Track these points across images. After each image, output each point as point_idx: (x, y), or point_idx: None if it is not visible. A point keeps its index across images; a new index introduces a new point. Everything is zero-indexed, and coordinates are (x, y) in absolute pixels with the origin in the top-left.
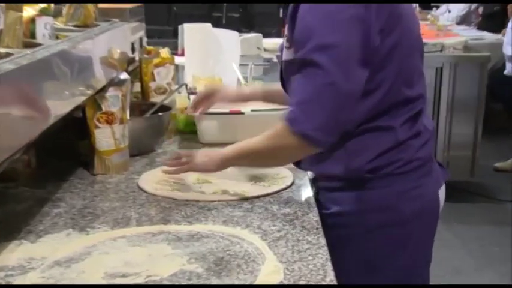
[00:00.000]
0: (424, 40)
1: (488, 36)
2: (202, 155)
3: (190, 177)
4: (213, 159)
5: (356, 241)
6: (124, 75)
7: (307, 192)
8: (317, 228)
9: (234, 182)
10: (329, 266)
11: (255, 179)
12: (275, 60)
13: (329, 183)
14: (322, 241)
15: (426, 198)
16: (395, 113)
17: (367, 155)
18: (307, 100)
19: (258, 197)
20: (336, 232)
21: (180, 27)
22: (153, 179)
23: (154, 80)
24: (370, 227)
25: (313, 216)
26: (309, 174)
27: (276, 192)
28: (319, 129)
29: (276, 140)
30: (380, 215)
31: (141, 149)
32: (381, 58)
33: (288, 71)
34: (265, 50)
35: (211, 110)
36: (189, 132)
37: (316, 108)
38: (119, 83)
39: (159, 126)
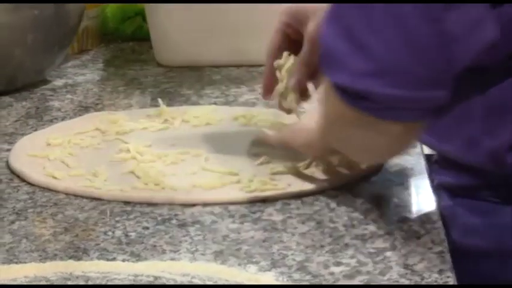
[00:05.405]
0: None
1: None
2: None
3: (136, 145)
4: (310, 124)
5: None
6: None
7: (421, 188)
8: (441, 271)
9: (243, 160)
10: None
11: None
12: None
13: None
14: None
15: None
16: None
17: None
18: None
19: (300, 195)
20: None
21: None
22: (45, 151)
23: None
24: None
25: (434, 245)
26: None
27: (341, 185)
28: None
29: (324, 102)
30: None
31: (14, 77)
32: None
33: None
34: None
35: None
36: (129, 37)
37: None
38: None
39: (57, 25)
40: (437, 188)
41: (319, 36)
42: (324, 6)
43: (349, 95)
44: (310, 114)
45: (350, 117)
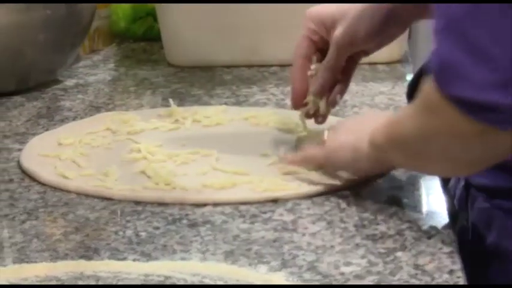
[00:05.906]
0: None
1: None
2: (344, 129)
3: (145, 144)
4: (351, 142)
5: None
6: None
7: (431, 188)
8: (451, 272)
9: (254, 160)
10: None
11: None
12: None
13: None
14: None
15: None
16: None
17: None
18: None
19: (310, 195)
20: None
21: None
22: (57, 151)
23: None
24: None
25: (444, 245)
26: None
27: (352, 186)
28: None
29: (425, 117)
30: None
31: (25, 77)
32: None
33: None
34: None
35: None
36: (140, 37)
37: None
38: None
39: (69, 24)
40: (463, 189)
41: (431, 53)
42: (352, 9)
43: (471, 107)
44: (343, 130)
45: (463, 130)
